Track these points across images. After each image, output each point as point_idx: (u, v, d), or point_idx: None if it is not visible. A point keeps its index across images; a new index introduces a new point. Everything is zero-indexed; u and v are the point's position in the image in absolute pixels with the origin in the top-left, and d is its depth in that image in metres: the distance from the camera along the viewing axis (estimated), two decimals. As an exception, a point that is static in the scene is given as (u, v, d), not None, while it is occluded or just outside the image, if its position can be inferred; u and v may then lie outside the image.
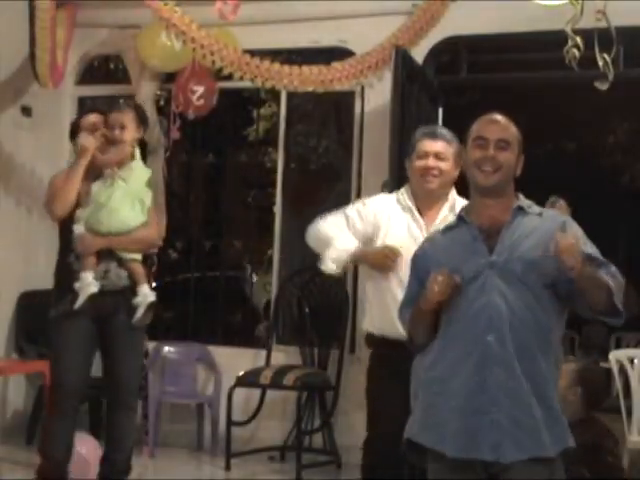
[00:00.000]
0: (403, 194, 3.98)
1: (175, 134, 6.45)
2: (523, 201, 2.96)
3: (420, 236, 3.70)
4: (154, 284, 6.56)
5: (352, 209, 4.03)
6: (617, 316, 2.82)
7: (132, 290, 4.32)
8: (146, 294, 4.32)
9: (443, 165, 3.87)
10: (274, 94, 7.42)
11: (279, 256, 6.59)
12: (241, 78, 6.17)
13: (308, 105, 8.38)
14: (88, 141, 4.28)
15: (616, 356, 5.28)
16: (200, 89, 6.27)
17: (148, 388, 6.14)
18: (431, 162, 3.86)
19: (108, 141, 4.33)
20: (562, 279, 2.77)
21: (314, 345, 6.25)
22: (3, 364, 6.15)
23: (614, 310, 2.80)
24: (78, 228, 4.24)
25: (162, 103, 6.96)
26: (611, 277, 2.81)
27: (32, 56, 5.96)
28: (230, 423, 5.86)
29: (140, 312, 4.29)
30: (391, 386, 3.81)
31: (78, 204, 4.27)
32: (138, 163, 4.40)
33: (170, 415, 6.47)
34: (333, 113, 8.90)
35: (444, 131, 3.99)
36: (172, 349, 6.51)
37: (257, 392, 6.07)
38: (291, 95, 6.64)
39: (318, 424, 6.09)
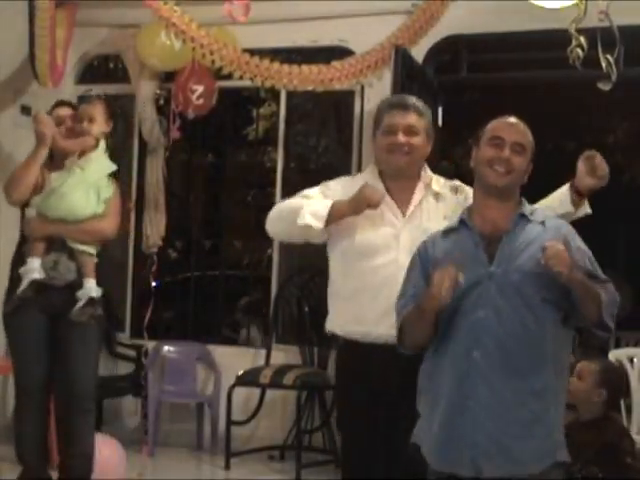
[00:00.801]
0: (370, 174, 3.45)
1: (175, 134, 6.45)
2: (526, 208, 2.92)
3: (395, 222, 3.28)
4: (154, 283, 6.59)
5: (314, 190, 3.47)
6: (605, 330, 2.80)
7: (81, 285, 4.22)
8: (89, 288, 4.21)
9: (415, 140, 3.30)
10: (274, 93, 7.42)
11: (279, 255, 6.58)
12: (241, 77, 6.16)
13: (308, 104, 8.39)
14: (47, 126, 4.23)
15: (616, 355, 5.28)
16: (200, 88, 6.27)
17: (148, 387, 6.15)
18: (401, 138, 3.30)
19: (75, 133, 4.32)
20: (561, 289, 2.74)
21: (314, 344, 6.24)
22: (3, 363, 6.14)
23: (602, 324, 2.77)
24: (29, 212, 4.24)
25: (162, 102, 6.96)
26: (604, 291, 2.78)
27: (32, 56, 5.95)
28: (230, 422, 5.86)
29: (78, 306, 4.17)
30: (365, 412, 3.25)
31: (35, 192, 4.24)
32: (100, 155, 4.36)
33: (170, 414, 6.47)
34: (333, 112, 8.90)
35: (415, 101, 3.39)
36: (172, 348, 6.51)
37: (257, 391, 6.08)
38: (291, 94, 6.64)
39: (318, 423, 6.09)
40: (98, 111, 4.34)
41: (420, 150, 3.32)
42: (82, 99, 4.51)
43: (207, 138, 7.64)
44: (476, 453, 2.73)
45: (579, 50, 4.40)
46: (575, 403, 3.61)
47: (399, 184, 3.35)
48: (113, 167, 4.42)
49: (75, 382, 4.24)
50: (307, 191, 3.48)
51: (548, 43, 5.69)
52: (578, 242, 2.90)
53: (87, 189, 4.27)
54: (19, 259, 4.26)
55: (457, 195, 3.32)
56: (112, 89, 7.10)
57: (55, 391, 4.32)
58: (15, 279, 4.21)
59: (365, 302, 3.21)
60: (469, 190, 3.18)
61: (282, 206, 3.49)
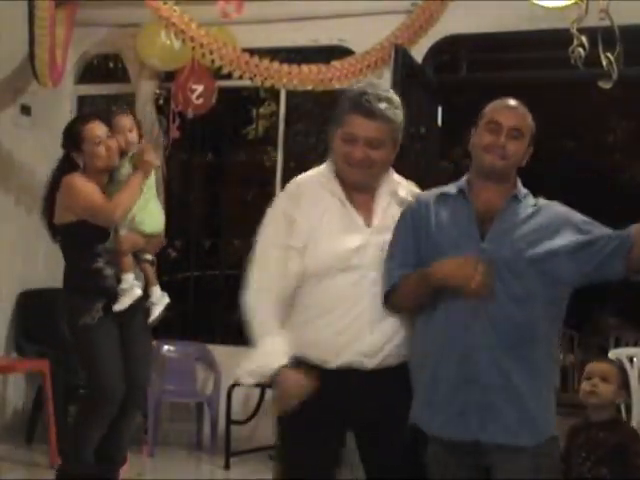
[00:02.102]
0: (327, 177, 3.02)
1: (174, 133, 6.45)
2: (520, 190, 2.93)
3: (360, 233, 2.93)
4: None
5: (279, 230, 2.96)
6: None
7: (144, 291, 4.41)
8: (163, 295, 4.47)
9: (376, 155, 2.93)
10: (273, 93, 7.42)
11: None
12: (240, 77, 6.17)
13: (307, 104, 8.40)
14: (153, 158, 4.40)
15: (616, 355, 5.28)
16: (199, 88, 6.27)
17: (147, 387, 6.14)
18: (359, 153, 2.91)
19: (121, 148, 4.36)
20: (562, 265, 2.78)
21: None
22: (3, 363, 6.15)
23: None
24: (122, 230, 4.33)
25: (161, 102, 6.96)
26: None
27: (31, 55, 5.95)
28: (229, 422, 5.86)
29: (157, 312, 4.42)
30: (312, 441, 2.93)
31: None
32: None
33: (169, 414, 6.47)
34: (332, 112, 8.90)
35: (385, 108, 2.98)
36: (171, 348, 6.51)
37: (257, 391, 6.08)
38: (290, 94, 6.64)
39: (318, 423, 6.08)
40: (132, 120, 4.44)
41: (382, 163, 2.97)
42: (116, 111, 4.51)
43: (207, 137, 7.63)
44: (476, 418, 2.76)
45: (581, 50, 4.41)
46: (599, 405, 3.59)
47: (360, 192, 2.99)
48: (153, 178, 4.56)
49: (138, 380, 4.44)
50: (277, 238, 2.95)
51: (548, 43, 5.69)
52: (578, 217, 2.91)
53: (156, 202, 4.49)
54: (94, 275, 4.30)
55: None
56: (112, 89, 7.12)
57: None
58: (94, 295, 4.28)
59: (333, 325, 2.89)
60: None
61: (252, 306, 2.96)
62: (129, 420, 4.46)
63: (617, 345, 9.72)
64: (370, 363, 2.89)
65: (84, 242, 4.35)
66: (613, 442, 3.50)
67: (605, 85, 4.70)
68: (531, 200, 2.94)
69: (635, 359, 5.17)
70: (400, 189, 3.05)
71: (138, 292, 4.31)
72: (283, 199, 3.06)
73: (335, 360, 2.88)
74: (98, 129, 4.35)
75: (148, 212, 4.39)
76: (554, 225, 2.85)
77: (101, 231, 4.30)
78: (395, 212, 2.98)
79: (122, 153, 4.38)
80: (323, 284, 2.90)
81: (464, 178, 2.98)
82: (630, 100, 8.36)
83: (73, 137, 4.41)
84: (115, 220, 4.30)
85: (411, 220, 2.93)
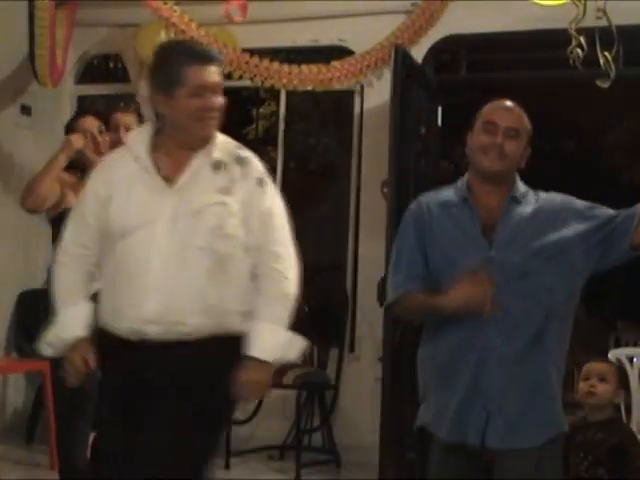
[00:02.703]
0: (142, 134, 2.94)
1: (174, 133, 6.44)
2: (518, 189, 2.91)
3: (156, 194, 2.80)
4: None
5: (83, 206, 2.97)
6: None
7: None
8: None
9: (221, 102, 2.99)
10: (273, 93, 7.42)
11: (278, 255, 6.57)
12: (240, 77, 6.17)
13: (307, 104, 8.40)
14: (76, 139, 4.24)
15: (615, 355, 5.28)
16: (199, 88, 6.26)
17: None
18: (209, 102, 2.93)
19: (112, 144, 4.32)
20: (580, 247, 2.79)
21: (313, 344, 6.24)
22: (3, 363, 6.15)
23: None
24: None
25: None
26: None
27: (31, 55, 5.95)
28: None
29: None
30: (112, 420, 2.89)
31: (55, 207, 4.25)
32: None
33: (170, 414, 6.47)
34: (332, 112, 8.90)
35: (213, 50, 3.01)
36: (172, 348, 6.50)
37: (257, 391, 6.07)
38: (290, 94, 6.63)
39: (317, 423, 6.09)
40: (132, 119, 4.34)
41: (220, 110, 2.97)
42: (115, 107, 4.49)
43: (207, 138, 7.64)
44: (482, 422, 2.77)
45: (579, 50, 4.41)
46: (598, 404, 3.60)
47: (180, 153, 2.86)
48: None
49: None
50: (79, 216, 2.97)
51: (547, 43, 5.69)
52: (580, 203, 2.91)
53: None
54: None
55: (241, 167, 2.97)
56: (112, 89, 7.11)
57: None
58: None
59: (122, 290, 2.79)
60: (254, 165, 3.01)
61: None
62: None
63: (617, 345, 9.71)
64: (153, 331, 2.74)
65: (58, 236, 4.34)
66: (611, 443, 3.50)
67: (603, 84, 4.71)
68: (531, 197, 2.92)
69: (635, 359, 5.17)
70: (218, 150, 2.94)
71: None
72: (94, 178, 2.98)
73: (120, 327, 2.78)
74: (88, 123, 4.35)
75: None
76: (558, 218, 2.85)
77: None
78: (205, 174, 2.84)
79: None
80: (118, 246, 2.80)
81: (463, 181, 2.95)
82: (629, 100, 8.35)
83: (67, 132, 4.44)
84: (24, 204, 4.27)
85: (414, 229, 2.92)
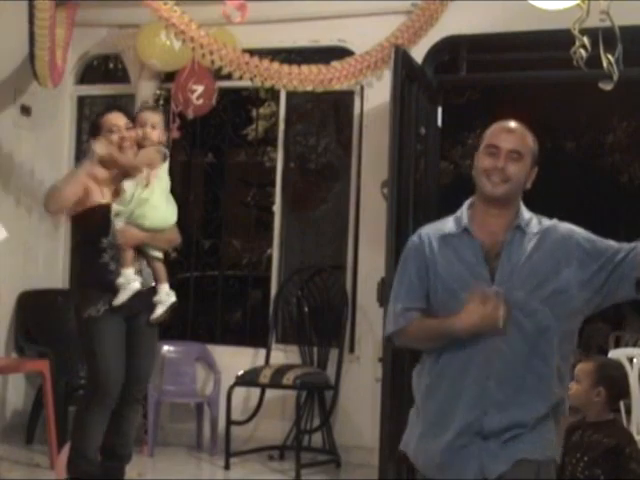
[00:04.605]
0: None
1: (174, 133, 6.44)
2: (522, 219, 2.86)
3: None
4: (153, 283, 6.58)
5: None
6: None
7: (154, 289, 4.43)
8: (169, 293, 4.45)
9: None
10: (273, 93, 7.42)
11: (278, 255, 6.59)
12: (240, 77, 6.17)
13: (307, 104, 8.37)
14: (99, 146, 4.35)
15: (615, 355, 5.29)
16: (199, 88, 6.27)
17: (147, 387, 6.14)
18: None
19: (138, 141, 4.37)
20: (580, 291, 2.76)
21: (313, 344, 6.25)
22: (3, 363, 6.15)
23: None
24: (117, 223, 4.30)
25: (161, 102, 6.96)
26: None
27: (31, 55, 5.95)
28: (229, 422, 5.86)
29: (161, 310, 4.40)
30: None
31: (78, 205, 4.34)
32: (167, 166, 4.48)
33: (169, 414, 6.48)
34: (332, 112, 8.88)
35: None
36: (171, 348, 6.52)
37: (256, 391, 6.08)
38: (290, 94, 6.64)
39: (317, 423, 6.09)
40: (159, 119, 4.44)
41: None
42: (143, 105, 4.59)
43: (207, 138, 7.63)
44: (477, 462, 2.75)
45: (582, 51, 4.40)
46: (577, 406, 3.61)
47: None
48: (169, 181, 4.53)
49: (140, 375, 4.46)
50: None
51: (548, 43, 5.70)
52: (582, 238, 2.86)
53: (168, 199, 4.46)
54: (99, 269, 4.32)
55: None
56: (112, 89, 7.11)
57: (124, 387, 4.42)
58: (101, 289, 4.29)
59: None
60: None
61: None
62: (132, 414, 4.48)
63: (617, 345, 9.71)
64: None
65: (88, 236, 4.40)
66: (608, 444, 3.50)
67: (605, 86, 4.69)
68: (534, 226, 2.86)
69: (635, 359, 5.17)
70: None
71: (135, 286, 4.28)
72: None
73: None
74: (116, 118, 4.42)
75: (151, 205, 4.35)
76: (561, 255, 2.80)
77: (103, 224, 4.30)
78: None
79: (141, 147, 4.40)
80: None
81: (463, 210, 2.92)
82: (631, 101, 8.36)
83: (94, 126, 4.51)
84: (47, 209, 4.43)
85: (414, 260, 2.90)
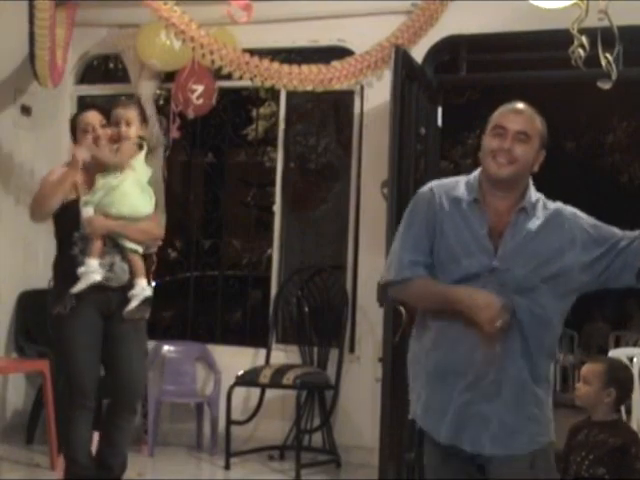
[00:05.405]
0: None
1: (174, 133, 6.45)
2: (529, 200, 2.86)
3: None
4: (153, 283, 6.58)
5: None
6: None
7: (132, 285, 4.30)
8: (143, 287, 4.29)
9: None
10: (273, 93, 7.42)
11: (279, 255, 6.59)
12: (240, 77, 6.16)
13: (307, 104, 8.37)
14: (79, 152, 4.30)
15: (616, 354, 5.28)
16: (199, 88, 6.27)
17: (147, 387, 6.14)
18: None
19: (113, 138, 4.35)
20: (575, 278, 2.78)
21: (314, 344, 6.25)
22: (3, 363, 6.15)
23: None
24: (87, 211, 4.23)
25: (161, 102, 6.96)
26: None
27: (32, 55, 5.95)
28: (229, 422, 5.86)
29: (133, 305, 4.24)
30: None
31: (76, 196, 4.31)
32: (142, 158, 4.41)
33: (169, 414, 6.47)
34: (332, 112, 8.88)
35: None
36: (171, 348, 6.51)
37: (256, 391, 6.08)
38: (290, 94, 6.63)
39: (317, 423, 6.09)
40: (133, 114, 4.37)
41: None
42: (116, 103, 4.52)
43: (207, 138, 7.63)
44: (480, 429, 2.77)
45: (581, 50, 4.40)
46: (586, 406, 3.61)
47: None
48: (150, 171, 4.46)
49: (130, 382, 4.32)
50: None
51: (548, 43, 5.69)
52: (586, 223, 2.87)
53: (142, 189, 4.35)
54: (68, 262, 4.25)
55: None
56: (112, 89, 7.11)
57: (110, 390, 4.36)
58: (68, 282, 4.19)
59: None
60: None
61: None
62: (125, 424, 4.35)
63: (617, 345, 9.71)
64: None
65: (62, 230, 4.34)
66: (613, 444, 3.51)
67: (604, 86, 4.70)
68: (540, 208, 2.86)
69: (635, 359, 5.17)
70: None
71: (94, 278, 4.14)
72: None
73: None
74: (89, 117, 4.39)
75: (120, 193, 4.25)
76: (565, 238, 2.82)
77: (75, 218, 4.25)
78: None
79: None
80: None
81: (476, 178, 2.90)
82: (630, 101, 8.36)
83: (71, 127, 4.49)
84: (33, 219, 4.40)
85: (425, 213, 2.87)
